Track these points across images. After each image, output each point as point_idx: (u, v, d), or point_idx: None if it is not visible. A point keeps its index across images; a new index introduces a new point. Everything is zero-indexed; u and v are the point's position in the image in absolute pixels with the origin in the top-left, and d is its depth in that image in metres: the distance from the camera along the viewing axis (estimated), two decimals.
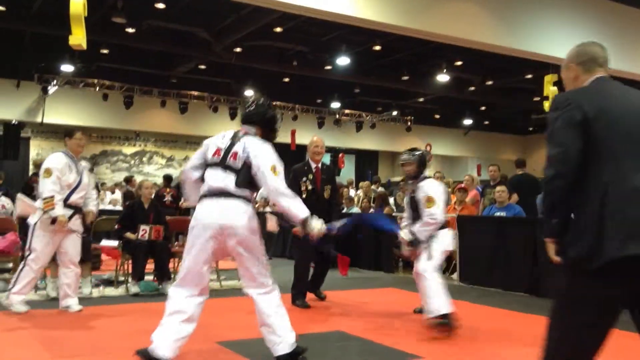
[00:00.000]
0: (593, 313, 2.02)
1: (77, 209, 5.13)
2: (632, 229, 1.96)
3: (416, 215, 4.80)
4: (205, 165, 3.47)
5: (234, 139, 3.45)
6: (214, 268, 6.90)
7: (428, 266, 4.55)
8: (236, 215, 3.28)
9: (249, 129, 3.53)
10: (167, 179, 11.69)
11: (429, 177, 5.06)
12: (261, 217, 7.31)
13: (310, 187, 5.69)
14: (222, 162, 3.37)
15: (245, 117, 3.60)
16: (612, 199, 1.99)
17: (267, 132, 3.60)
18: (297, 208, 3.33)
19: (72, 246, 5.15)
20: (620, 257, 1.94)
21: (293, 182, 5.77)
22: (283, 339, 3.34)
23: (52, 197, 4.85)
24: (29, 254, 4.97)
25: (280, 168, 3.37)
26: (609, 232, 1.96)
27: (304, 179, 5.72)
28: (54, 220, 4.87)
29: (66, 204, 5.00)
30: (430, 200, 4.67)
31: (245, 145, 3.38)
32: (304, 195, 5.67)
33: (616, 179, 2.01)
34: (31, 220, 5.05)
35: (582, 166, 2.05)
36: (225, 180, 3.33)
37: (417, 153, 4.95)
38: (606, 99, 2.14)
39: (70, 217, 5.03)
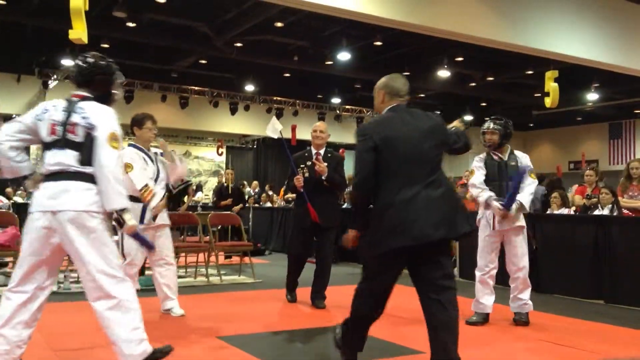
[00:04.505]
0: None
1: None
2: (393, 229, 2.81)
3: (500, 181, 4.86)
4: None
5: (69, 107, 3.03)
6: (214, 263, 6.90)
7: None
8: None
9: (83, 93, 3.11)
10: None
11: None
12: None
13: (307, 175, 5.45)
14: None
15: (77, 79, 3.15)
16: (387, 207, 2.83)
17: (103, 95, 3.17)
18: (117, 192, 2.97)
19: None
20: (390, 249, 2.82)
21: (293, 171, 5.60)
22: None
23: None
24: None
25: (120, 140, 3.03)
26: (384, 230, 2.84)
27: (302, 165, 5.51)
28: None
29: None
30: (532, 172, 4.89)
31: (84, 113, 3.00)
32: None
33: (391, 193, 2.83)
34: None
35: (377, 181, 2.87)
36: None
37: (501, 122, 4.94)
38: (392, 129, 2.91)
39: None
